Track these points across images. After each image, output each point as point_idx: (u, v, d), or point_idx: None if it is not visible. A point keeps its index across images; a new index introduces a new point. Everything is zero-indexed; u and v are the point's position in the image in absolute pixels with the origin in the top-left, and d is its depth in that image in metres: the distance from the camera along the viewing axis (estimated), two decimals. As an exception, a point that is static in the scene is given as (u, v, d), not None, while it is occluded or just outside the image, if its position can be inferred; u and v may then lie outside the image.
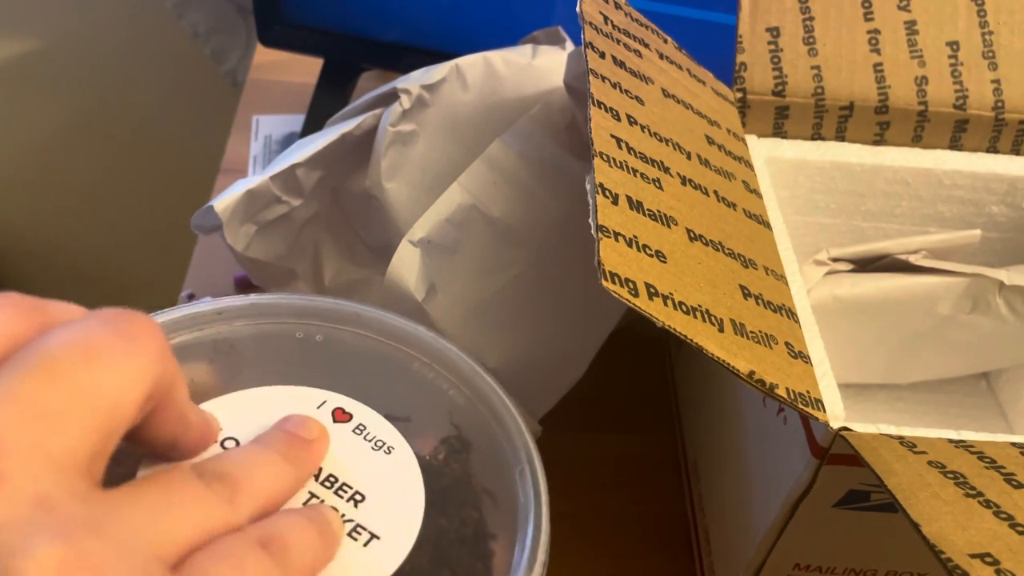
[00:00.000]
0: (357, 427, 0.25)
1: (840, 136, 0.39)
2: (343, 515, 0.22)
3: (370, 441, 0.24)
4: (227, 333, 0.27)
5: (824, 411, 0.25)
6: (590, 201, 0.24)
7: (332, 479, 0.23)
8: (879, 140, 0.39)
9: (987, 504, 0.22)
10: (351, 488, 0.23)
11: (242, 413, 0.24)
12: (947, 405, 0.43)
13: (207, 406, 0.24)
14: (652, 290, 0.23)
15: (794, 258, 0.32)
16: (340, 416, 0.25)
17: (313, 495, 0.22)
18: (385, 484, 0.23)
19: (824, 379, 0.27)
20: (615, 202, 0.25)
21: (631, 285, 0.23)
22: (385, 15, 0.52)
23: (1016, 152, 0.38)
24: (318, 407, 0.25)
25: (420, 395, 0.27)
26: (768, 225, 0.32)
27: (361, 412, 0.25)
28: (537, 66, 0.40)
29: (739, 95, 0.38)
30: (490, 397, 0.26)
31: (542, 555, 0.22)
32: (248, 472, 0.20)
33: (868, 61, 0.38)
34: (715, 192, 0.30)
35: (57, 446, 0.16)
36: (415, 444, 0.25)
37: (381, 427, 0.25)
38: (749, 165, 0.35)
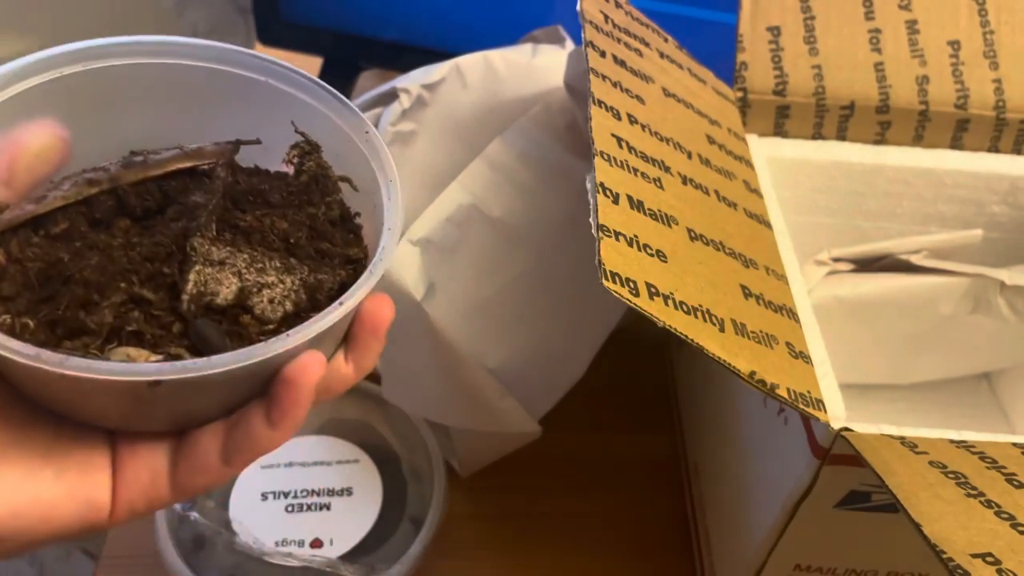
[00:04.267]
0: None
1: (841, 136, 0.38)
2: None
3: None
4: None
5: (825, 411, 0.25)
6: (591, 200, 0.24)
7: None
8: (880, 140, 0.39)
9: (988, 504, 0.22)
10: None
11: None
12: (948, 405, 0.42)
13: None
14: (653, 290, 0.23)
15: (795, 258, 0.31)
16: None
17: None
18: None
19: (825, 379, 0.27)
20: (616, 201, 0.25)
21: (632, 285, 0.22)
22: (385, 14, 0.52)
23: (1017, 152, 0.38)
24: None
25: (265, 116, 0.25)
26: (769, 225, 0.32)
27: None
28: (537, 65, 0.40)
29: (740, 94, 0.38)
30: (327, 97, 0.25)
31: (400, 213, 0.23)
32: None
33: (869, 60, 0.38)
34: (716, 192, 0.30)
35: None
36: (272, 162, 0.25)
37: None
38: (750, 164, 0.35)
